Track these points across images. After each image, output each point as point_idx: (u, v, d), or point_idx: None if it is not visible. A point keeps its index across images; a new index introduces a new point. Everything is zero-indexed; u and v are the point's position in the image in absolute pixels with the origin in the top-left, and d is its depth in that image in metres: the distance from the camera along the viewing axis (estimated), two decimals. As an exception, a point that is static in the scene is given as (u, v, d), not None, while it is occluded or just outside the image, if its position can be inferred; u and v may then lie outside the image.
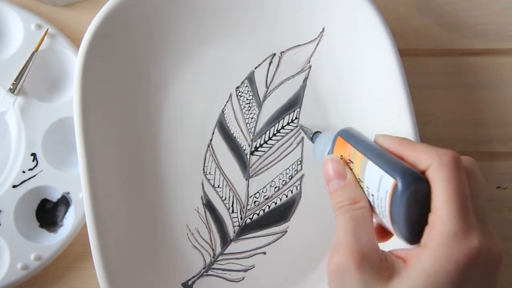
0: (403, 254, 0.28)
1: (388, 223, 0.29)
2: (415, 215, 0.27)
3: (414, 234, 0.28)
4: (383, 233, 0.32)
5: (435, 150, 0.28)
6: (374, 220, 0.31)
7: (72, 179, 0.43)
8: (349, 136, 0.32)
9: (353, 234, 0.28)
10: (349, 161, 0.32)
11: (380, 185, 0.28)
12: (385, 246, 0.31)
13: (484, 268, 0.27)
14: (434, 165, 0.28)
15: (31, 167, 0.43)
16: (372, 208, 0.30)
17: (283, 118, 0.43)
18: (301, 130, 0.42)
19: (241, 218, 0.42)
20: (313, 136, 0.38)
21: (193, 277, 0.41)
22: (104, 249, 0.37)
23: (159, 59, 0.43)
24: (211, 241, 0.42)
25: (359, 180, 0.31)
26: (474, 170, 0.29)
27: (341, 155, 0.32)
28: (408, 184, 0.27)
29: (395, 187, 0.27)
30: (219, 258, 0.42)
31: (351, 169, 0.31)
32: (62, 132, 0.44)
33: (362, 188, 0.31)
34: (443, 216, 0.26)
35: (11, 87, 0.43)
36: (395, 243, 0.31)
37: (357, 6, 0.41)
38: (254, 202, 0.42)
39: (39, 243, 0.42)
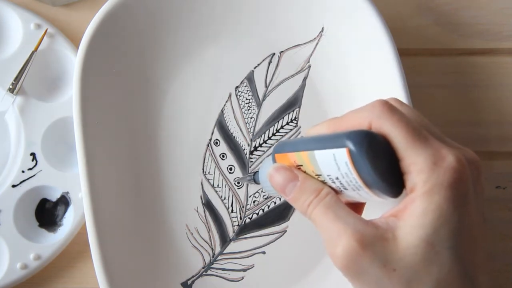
0: (391, 212, 0.28)
1: (367, 192, 0.28)
2: (385, 167, 0.27)
3: (395, 184, 0.27)
4: (356, 209, 0.32)
5: (364, 110, 0.28)
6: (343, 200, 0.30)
7: (71, 179, 0.43)
8: (284, 146, 0.32)
9: (338, 221, 0.28)
10: (299, 167, 0.31)
11: (337, 163, 0.27)
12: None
13: (472, 175, 0.27)
14: (374, 121, 0.27)
15: (31, 167, 0.43)
16: (337, 192, 0.30)
17: (283, 118, 0.43)
18: (241, 182, 0.43)
19: (240, 218, 0.42)
20: (254, 175, 0.38)
21: (193, 276, 0.41)
22: (104, 249, 0.37)
23: (159, 59, 0.43)
24: (210, 240, 0.42)
25: (317, 176, 0.30)
26: (398, 101, 0.30)
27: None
28: (359, 141, 0.26)
29: (350, 153, 0.26)
30: (218, 258, 0.42)
31: (304, 171, 0.31)
32: (61, 131, 0.44)
33: (324, 181, 0.30)
34: (414, 157, 0.26)
35: (11, 86, 0.43)
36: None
37: (356, 6, 0.41)
38: (254, 201, 0.43)
39: (38, 242, 0.42)
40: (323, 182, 0.30)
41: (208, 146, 0.43)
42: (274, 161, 0.33)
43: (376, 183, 0.27)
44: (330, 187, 0.30)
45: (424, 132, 0.28)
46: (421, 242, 0.26)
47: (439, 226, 0.26)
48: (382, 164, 0.27)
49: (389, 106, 0.28)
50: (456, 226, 0.26)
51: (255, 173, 0.38)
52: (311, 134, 0.31)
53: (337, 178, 0.28)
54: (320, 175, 0.29)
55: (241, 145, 0.43)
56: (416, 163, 0.26)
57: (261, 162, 0.43)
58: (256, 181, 0.38)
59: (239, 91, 0.44)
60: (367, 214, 0.31)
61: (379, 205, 0.37)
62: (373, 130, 0.28)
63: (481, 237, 0.28)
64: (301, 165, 0.30)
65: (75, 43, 0.45)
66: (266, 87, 0.44)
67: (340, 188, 0.29)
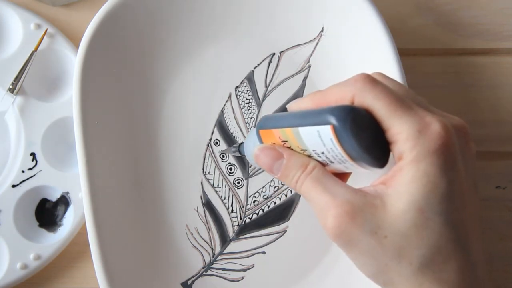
0: (380, 180, 0.28)
1: (353, 166, 0.28)
2: (370, 140, 0.27)
3: (381, 156, 0.28)
4: (342, 178, 0.32)
5: (347, 84, 0.28)
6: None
7: (71, 179, 0.43)
8: (267, 122, 0.32)
9: (326, 192, 0.28)
10: (284, 142, 0.31)
11: (322, 139, 0.28)
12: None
13: (459, 141, 0.27)
14: (357, 94, 0.28)
15: (31, 167, 0.43)
16: (323, 164, 0.30)
17: (283, 118, 0.43)
18: (226, 153, 0.42)
19: (240, 218, 0.42)
20: (239, 147, 0.38)
21: (193, 276, 0.41)
22: (104, 249, 0.37)
23: (159, 59, 0.43)
24: (210, 240, 0.42)
25: (303, 151, 0.30)
26: (382, 75, 0.30)
27: (273, 143, 0.32)
28: (343, 118, 0.26)
29: (335, 130, 0.27)
30: (218, 258, 0.42)
31: (289, 147, 0.31)
32: (61, 131, 0.44)
33: (310, 156, 0.30)
34: (399, 126, 0.26)
35: (11, 86, 0.43)
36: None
37: (356, 6, 0.41)
38: (254, 201, 0.43)
39: (38, 242, 0.42)
40: (309, 156, 0.30)
41: (208, 146, 0.43)
42: (259, 136, 0.32)
43: (362, 157, 0.27)
44: (316, 160, 0.30)
45: (408, 101, 0.27)
46: (411, 208, 0.26)
47: (427, 191, 0.26)
48: (366, 138, 0.27)
49: (371, 79, 0.28)
50: (445, 191, 0.26)
51: (240, 144, 0.37)
52: (294, 109, 0.31)
53: (322, 153, 0.29)
54: (306, 150, 0.30)
55: (241, 145, 0.43)
56: (401, 132, 0.26)
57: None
58: (241, 153, 0.37)
59: (239, 91, 0.44)
60: (357, 183, 0.31)
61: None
62: (356, 104, 0.28)
63: (472, 203, 0.28)
64: (286, 141, 0.31)
65: (75, 43, 0.45)
66: (266, 87, 0.44)
67: (326, 162, 0.29)
